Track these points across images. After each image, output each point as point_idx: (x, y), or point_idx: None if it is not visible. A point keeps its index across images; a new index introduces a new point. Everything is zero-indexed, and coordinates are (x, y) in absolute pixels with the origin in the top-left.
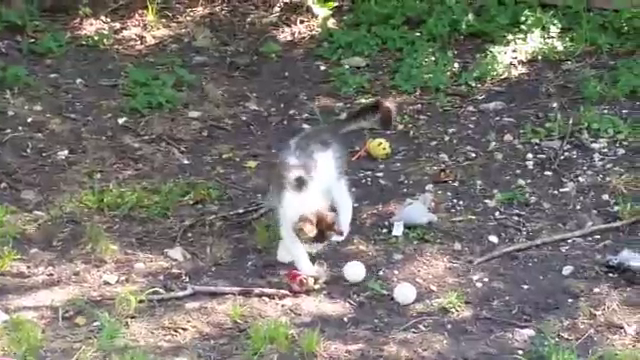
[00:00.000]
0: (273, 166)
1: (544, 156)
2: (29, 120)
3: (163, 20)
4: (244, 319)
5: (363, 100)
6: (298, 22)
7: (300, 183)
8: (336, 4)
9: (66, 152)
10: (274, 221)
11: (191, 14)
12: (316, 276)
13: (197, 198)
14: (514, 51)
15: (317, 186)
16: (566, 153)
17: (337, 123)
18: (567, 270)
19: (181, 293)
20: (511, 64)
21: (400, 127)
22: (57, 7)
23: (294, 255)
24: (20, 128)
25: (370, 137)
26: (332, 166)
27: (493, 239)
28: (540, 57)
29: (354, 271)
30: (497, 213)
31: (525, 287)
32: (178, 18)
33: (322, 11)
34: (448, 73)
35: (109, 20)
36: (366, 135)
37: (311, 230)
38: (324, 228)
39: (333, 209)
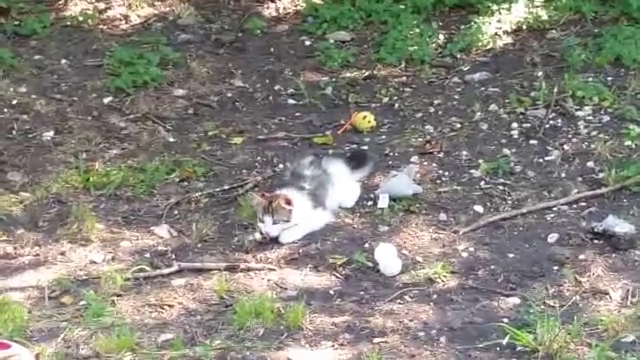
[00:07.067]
0: None
1: (529, 125)
2: (14, 102)
3: None
4: (230, 294)
5: (348, 74)
6: None
7: None
8: None
9: (52, 133)
10: None
11: None
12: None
13: (183, 176)
14: (499, 21)
15: None
16: (551, 121)
17: None
18: (552, 238)
19: (167, 270)
20: (496, 34)
21: (385, 100)
22: None
23: None
24: (5, 110)
25: (355, 110)
26: None
27: (478, 209)
28: (525, 27)
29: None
30: (482, 183)
31: (510, 256)
32: None
33: None
34: (433, 45)
35: (93, 0)
36: (352, 108)
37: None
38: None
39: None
